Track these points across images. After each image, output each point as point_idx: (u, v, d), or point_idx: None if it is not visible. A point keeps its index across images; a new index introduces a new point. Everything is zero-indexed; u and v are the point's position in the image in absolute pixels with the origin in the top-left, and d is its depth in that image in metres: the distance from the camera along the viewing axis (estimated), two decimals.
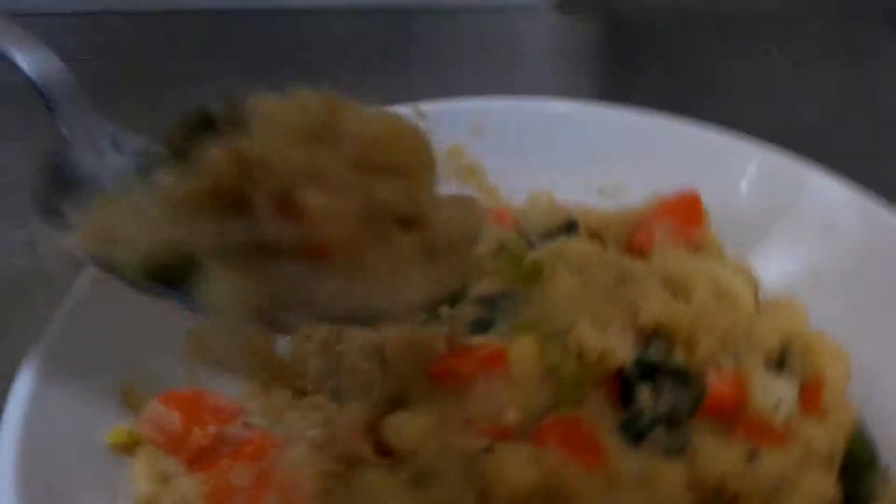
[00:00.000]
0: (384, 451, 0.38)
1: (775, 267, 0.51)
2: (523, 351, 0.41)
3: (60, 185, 0.37)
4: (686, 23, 1.05)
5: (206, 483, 0.37)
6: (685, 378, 0.41)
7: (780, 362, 0.47)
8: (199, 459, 0.38)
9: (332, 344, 0.49)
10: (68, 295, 0.43)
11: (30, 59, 0.40)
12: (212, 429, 0.39)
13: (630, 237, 0.52)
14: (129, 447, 0.40)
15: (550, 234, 0.52)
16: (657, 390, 0.41)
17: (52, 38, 0.41)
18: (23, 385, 0.38)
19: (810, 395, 0.44)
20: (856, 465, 0.43)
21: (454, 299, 0.45)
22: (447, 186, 0.58)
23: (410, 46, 0.96)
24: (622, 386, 0.41)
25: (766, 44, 1.00)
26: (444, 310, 0.44)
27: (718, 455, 0.39)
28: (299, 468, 0.37)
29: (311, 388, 0.47)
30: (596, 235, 0.53)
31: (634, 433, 0.40)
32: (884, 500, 0.42)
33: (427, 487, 0.36)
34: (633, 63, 0.98)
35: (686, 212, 0.52)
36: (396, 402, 0.40)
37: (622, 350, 0.41)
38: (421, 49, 0.95)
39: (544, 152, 0.60)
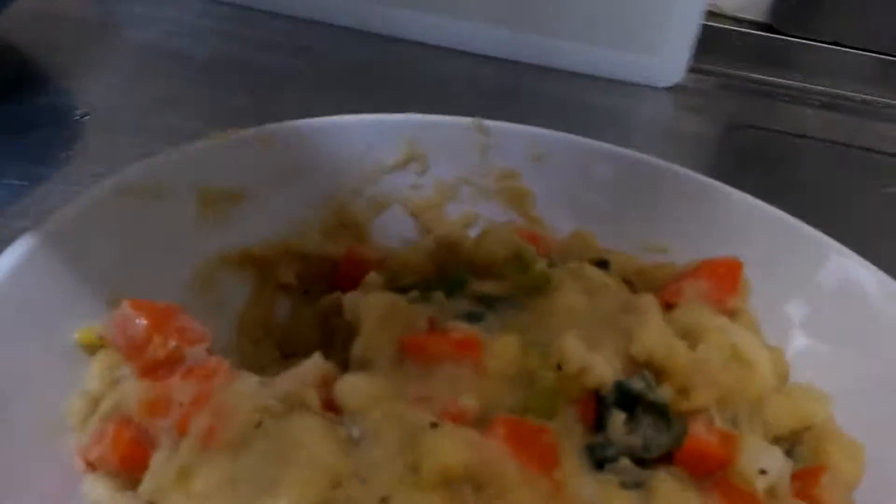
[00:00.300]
0: (333, 407, 0.37)
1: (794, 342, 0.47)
2: (504, 347, 0.39)
3: None
4: (802, 141, 1.03)
5: (148, 391, 0.37)
6: (666, 416, 0.38)
7: (788, 449, 0.44)
8: (151, 370, 0.38)
9: (330, 317, 0.48)
10: (88, 193, 0.44)
11: None
12: (172, 343, 0.38)
13: (660, 290, 0.50)
14: (95, 348, 0.40)
15: None
16: (634, 422, 0.38)
17: None
18: (6, 260, 0.39)
19: (809, 481, 0.41)
20: None
21: (452, 289, 0.43)
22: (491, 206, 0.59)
23: (520, 97, 0.96)
24: (598, 409, 0.39)
25: (886, 179, 0.96)
26: (439, 296, 0.43)
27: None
28: (240, 398, 0.36)
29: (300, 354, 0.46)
30: (628, 282, 0.51)
31: (599, 458, 0.37)
32: None
33: (359, 449, 0.34)
34: (738, 164, 0.96)
35: (724, 277, 0.49)
36: (361, 364, 0.39)
37: (604, 370, 0.38)
38: (529, 103, 0.96)
39: (600, 197, 0.59)
